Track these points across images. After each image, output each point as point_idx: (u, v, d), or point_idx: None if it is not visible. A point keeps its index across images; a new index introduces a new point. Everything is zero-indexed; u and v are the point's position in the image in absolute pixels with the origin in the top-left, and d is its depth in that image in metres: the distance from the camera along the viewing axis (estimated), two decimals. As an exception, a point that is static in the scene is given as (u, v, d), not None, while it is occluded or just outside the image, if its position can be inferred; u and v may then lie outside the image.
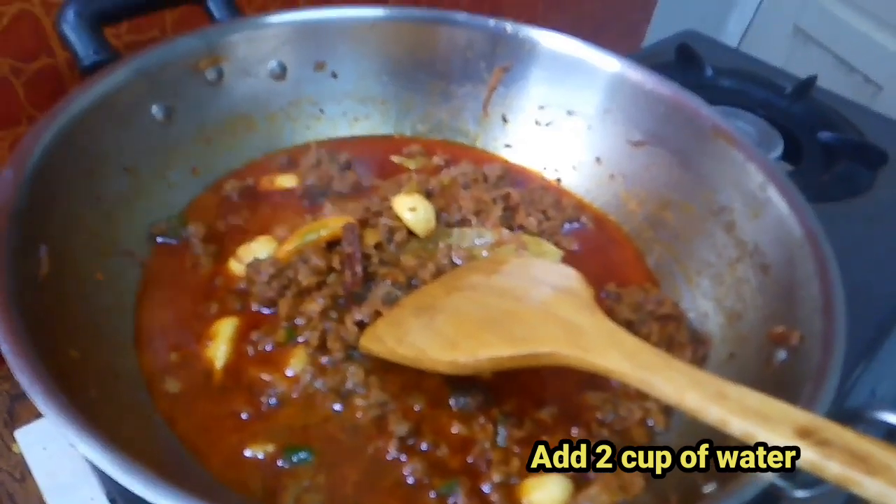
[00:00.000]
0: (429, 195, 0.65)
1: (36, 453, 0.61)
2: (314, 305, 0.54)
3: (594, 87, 0.69)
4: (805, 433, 0.36)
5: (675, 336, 0.57)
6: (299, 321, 0.53)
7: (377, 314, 0.54)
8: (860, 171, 0.90)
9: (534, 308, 0.48)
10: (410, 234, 0.62)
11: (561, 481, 0.46)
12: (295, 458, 0.46)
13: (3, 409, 0.65)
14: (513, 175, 0.72)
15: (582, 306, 0.47)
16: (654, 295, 0.60)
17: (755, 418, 0.37)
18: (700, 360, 0.55)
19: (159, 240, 0.59)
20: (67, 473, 0.59)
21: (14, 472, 0.61)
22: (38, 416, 0.64)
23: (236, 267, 0.57)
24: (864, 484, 0.33)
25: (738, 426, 0.37)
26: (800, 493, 0.39)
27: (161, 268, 0.57)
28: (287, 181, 0.66)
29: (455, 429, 0.49)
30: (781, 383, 0.46)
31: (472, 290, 0.53)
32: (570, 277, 0.51)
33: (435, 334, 0.49)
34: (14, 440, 0.62)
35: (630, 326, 0.57)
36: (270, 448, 0.47)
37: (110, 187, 0.55)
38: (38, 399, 0.35)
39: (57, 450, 0.60)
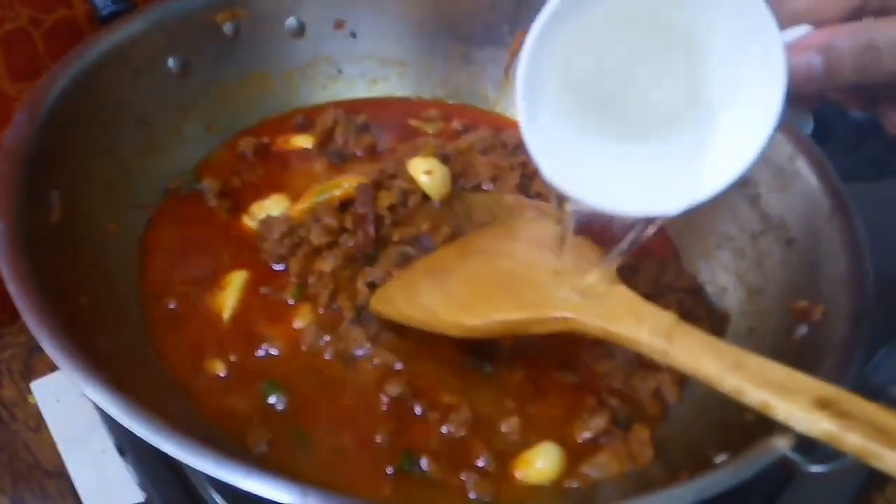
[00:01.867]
0: (445, 159, 0.64)
1: (50, 405, 0.62)
2: (325, 265, 0.53)
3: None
4: (824, 404, 0.34)
5: (693, 310, 0.56)
6: (310, 280, 0.53)
7: (389, 275, 0.53)
8: (891, 153, 0.87)
9: (549, 274, 0.47)
10: (425, 197, 0.61)
11: (554, 450, 0.46)
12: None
13: (19, 362, 0.66)
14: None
15: (598, 273, 0.46)
16: (672, 268, 0.58)
17: (773, 388, 0.36)
18: (718, 335, 0.54)
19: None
20: (80, 425, 0.60)
21: (29, 423, 0.62)
22: (54, 369, 0.65)
23: (249, 223, 0.57)
24: (885, 457, 0.32)
25: (755, 396, 0.36)
26: (814, 468, 0.38)
27: (172, 218, 0.57)
28: (303, 141, 0.65)
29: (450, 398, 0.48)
30: (801, 358, 0.45)
31: (487, 254, 0.52)
32: (587, 244, 0.50)
33: (447, 297, 0.48)
34: (30, 392, 0.63)
35: (647, 298, 0.56)
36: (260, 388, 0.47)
37: (125, 138, 0.55)
38: (44, 341, 0.35)
39: (70, 402, 0.61)
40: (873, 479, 0.58)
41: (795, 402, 0.35)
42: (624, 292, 0.44)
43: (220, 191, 0.59)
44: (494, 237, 0.54)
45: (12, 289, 0.36)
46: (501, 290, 0.47)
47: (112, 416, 0.33)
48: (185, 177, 0.60)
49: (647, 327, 0.41)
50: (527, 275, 0.48)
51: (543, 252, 0.50)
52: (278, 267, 0.55)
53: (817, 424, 0.34)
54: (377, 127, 0.69)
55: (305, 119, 0.68)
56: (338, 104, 0.69)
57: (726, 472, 0.36)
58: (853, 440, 0.33)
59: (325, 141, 0.65)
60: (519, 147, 0.68)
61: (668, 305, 0.54)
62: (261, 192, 0.60)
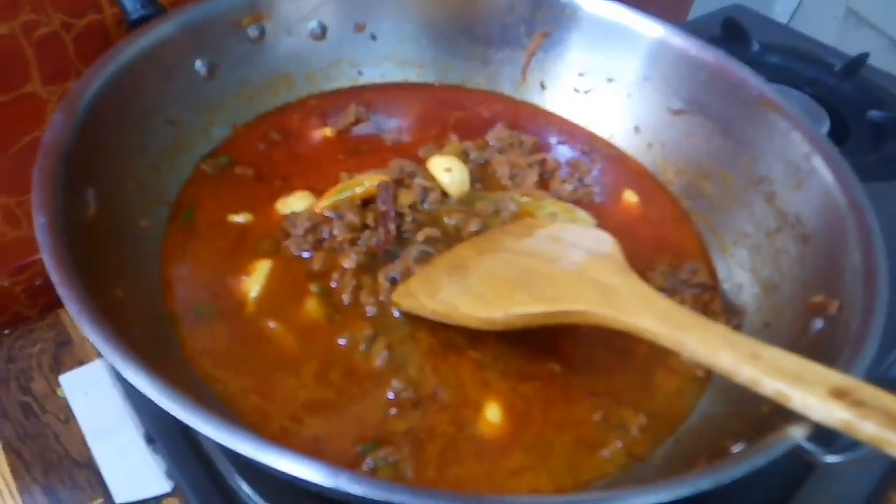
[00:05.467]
0: (468, 158, 0.65)
1: (78, 398, 0.63)
2: (347, 261, 0.55)
3: (635, 54, 0.68)
4: (840, 393, 0.35)
5: (710, 306, 0.56)
6: (333, 275, 0.54)
7: (409, 272, 0.54)
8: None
9: (567, 269, 0.48)
10: (444, 195, 0.62)
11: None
12: None
13: (49, 355, 0.68)
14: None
15: (615, 269, 0.47)
16: (689, 264, 0.59)
17: (788, 378, 0.37)
18: (734, 330, 0.55)
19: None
20: (108, 417, 0.61)
21: (59, 415, 0.63)
22: (81, 362, 0.67)
23: (281, 210, 0.58)
24: None
25: (771, 386, 0.37)
26: (830, 459, 0.39)
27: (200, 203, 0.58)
28: (327, 132, 0.67)
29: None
30: (817, 352, 0.45)
31: (505, 251, 0.53)
32: (604, 241, 0.51)
33: (467, 292, 0.49)
34: (59, 385, 0.65)
35: (663, 293, 0.57)
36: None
37: (155, 138, 0.57)
38: (85, 325, 0.36)
39: (98, 395, 0.63)
40: (891, 474, 0.58)
41: (811, 392, 0.35)
42: (641, 287, 0.45)
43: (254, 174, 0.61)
44: (512, 235, 0.55)
45: (55, 278, 0.38)
46: (520, 286, 0.48)
47: (151, 398, 0.34)
48: (219, 161, 0.61)
49: (663, 320, 0.42)
50: (545, 271, 0.49)
51: (561, 249, 0.51)
52: (305, 255, 0.56)
53: (833, 414, 0.35)
54: (398, 119, 0.70)
55: (328, 111, 0.69)
56: (361, 98, 0.71)
57: (742, 460, 0.37)
58: (869, 429, 0.33)
59: (347, 134, 0.67)
60: (536, 145, 0.69)
61: (683, 301, 0.55)
62: (286, 181, 0.61)
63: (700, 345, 0.40)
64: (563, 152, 0.70)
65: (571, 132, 0.73)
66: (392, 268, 0.55)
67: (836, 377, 0.36)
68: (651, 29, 0.67)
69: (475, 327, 0.48)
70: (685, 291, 0.57)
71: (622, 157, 0.70)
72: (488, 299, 0.48)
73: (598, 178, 0.67)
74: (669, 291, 0.57)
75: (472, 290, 0.49)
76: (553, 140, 0.71)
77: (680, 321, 0.42)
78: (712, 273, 0.60)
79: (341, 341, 0.51)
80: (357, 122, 0.69)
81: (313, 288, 0.53)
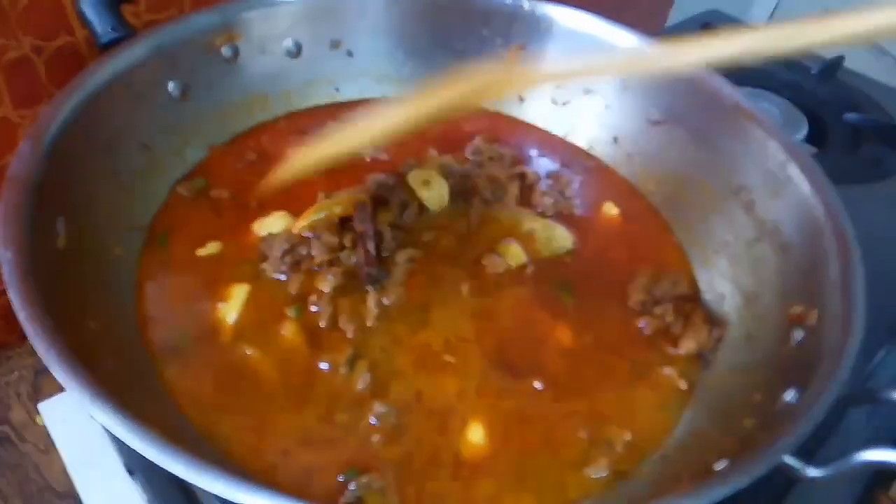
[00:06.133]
0: (448, 172, 0.65)
1: (58, 426, 0.62)
2: (325, 284, 0.54)
3: (612, 65, 0.68)
4: None
5: (691, 316, 0.56)
6: (311, 299, 0.54)
7: (405, 291, 0.54)
8: (887, 154, 0.88)
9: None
10: (423, 209, 0.62)
11: None
12: None
13: (27, 383, 0.67)
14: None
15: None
16: (670, 275, 0.59)
17: None
18: (716, 342, 0.55)
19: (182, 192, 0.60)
20: (89, 446, 0.60)
21: (39, 444, 0.62)
22: (61, 389, 0.65)
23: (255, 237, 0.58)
24: None
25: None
26: (812, 473, 0.39)
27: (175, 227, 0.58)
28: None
29: None
30: (799, 363, 0.46)
31: None
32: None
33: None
34: (38, 413, 0.64)
35: (644, 306, 0.57)
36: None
37: (127, 163, 0.56)
38: (53, 365, 0.35)
39: (79, 423, 0.62)
40: (878, 480, 0.58)
41: None
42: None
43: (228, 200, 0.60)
44: None
45: (22, 316, 0.37)
46: None
47: (121, 439, 0.33)
48: (196, 183, 0.61)
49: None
50: None
51: None
52: (282, 277, 0.55)
53: None
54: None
55: (300, 126, 0.68)
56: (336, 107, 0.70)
57: (726, 480, 0.36)
58: None
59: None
60: (515, 158, 0.69)
61: (665, 312, 0.55)
62: (263, 202, 0.60)
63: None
64: (543, 164, 0.70)
65: (551, 144, 0.72)
66: (385, 294, 0.54)
67: None
68: (626, 40, 0.67)
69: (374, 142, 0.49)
70: (666, 303, 0.57)
71: (602, 169, 0.70)
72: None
73: (578, 191, 0.67)
74: (650, 303, 0.57)
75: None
76: (533, 153, 0.71)
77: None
78: (693, 284, 0.60)
79: (322, 366, 0.50)
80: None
81: (290, 312, 0.53)
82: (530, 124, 0.74)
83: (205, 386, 0.48)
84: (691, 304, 0.57)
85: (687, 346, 0.54)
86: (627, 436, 0.48)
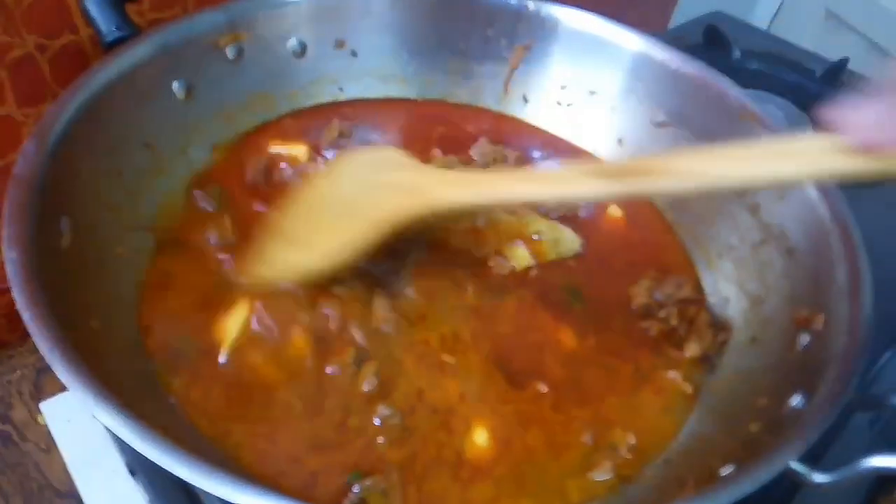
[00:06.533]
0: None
1: (60, 425, 0.62)
2: (335, 286, 0.53)
3: (617, 67, 0.68)
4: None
5: (696, 319, 0.56)
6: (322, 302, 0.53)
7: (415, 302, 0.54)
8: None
9: (372, 191, 0.52)
10: None
11: None
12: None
13: (29, 382, 0.67)
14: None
15: (408, 168, 0.52)
16: (674, 277, 0.59)
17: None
18: (721, 345, 0.55)
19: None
20: (91, 446, 0.60)
21: (40, 444, 0.62)
22: (63, 389, 0.65)
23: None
24: None
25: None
26: (818, 478, 0.38)
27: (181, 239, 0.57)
28: (301, 154, 0.66)
29: None
30: (805, 368, 0.45)
31: (312, 200, 0.55)
32: (392, 154, 0.55)
33: (294, 244, 0.53)
34: (40, 412, 0.63)
35: (648, 309, 0.56)
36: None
37: (131, 162, 0.55)
38: (57, 365, 0.35)
39: (80, 422, 0.62)
40: (880, 485, 0.58)
41: None
42: (435, 171, 0.55)
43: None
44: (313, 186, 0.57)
45: (26, 316, 0.37)
46: (337, 217, 0.52)
47: (125, 440, 0.33)
48: (212, 190, 0.60)
49: (463, 186, 0.49)
50: (353, 199, 0.53)
51: (361, 178, 0.54)
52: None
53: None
54: (380, 131, 0.70)
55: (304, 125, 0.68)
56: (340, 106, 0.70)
57: (732, 485, 0.36)
58: None
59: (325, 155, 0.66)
60: (520, 159, 0.69)
61: (669, 315, 0.55)
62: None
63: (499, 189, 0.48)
64: (548, 166, 0.70)
65: (555, 145, 0.72)
66: (392, 294, 0.54)
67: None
68: (632, 41, 0.67)
69: (316, 276, 0.51)
70: (670, 306, 0.56)
71: (606, 170, 0.70)
72: (311, 241, 0.52)
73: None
74: (654, 307, 0.57)
75: (296, 240, 0.53)
76: (537, 154, 0.71)
77: (474, 180, 0.50)
78: (698, 287, 0.60)
79: (330, 370, 0.50)
80: (341, 136, 0.68)
81: (301, 318, 0.52)
82: (534, 126, 0.74)
83: (209, 390, 0.48)
84: (696, 307, 0.57)
85: (692, 349, 0.54)
86: (632, 439, 0.48)
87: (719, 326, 0.56)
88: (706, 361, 0.54)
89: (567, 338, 0.54)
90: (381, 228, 0.49)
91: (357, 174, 0.55)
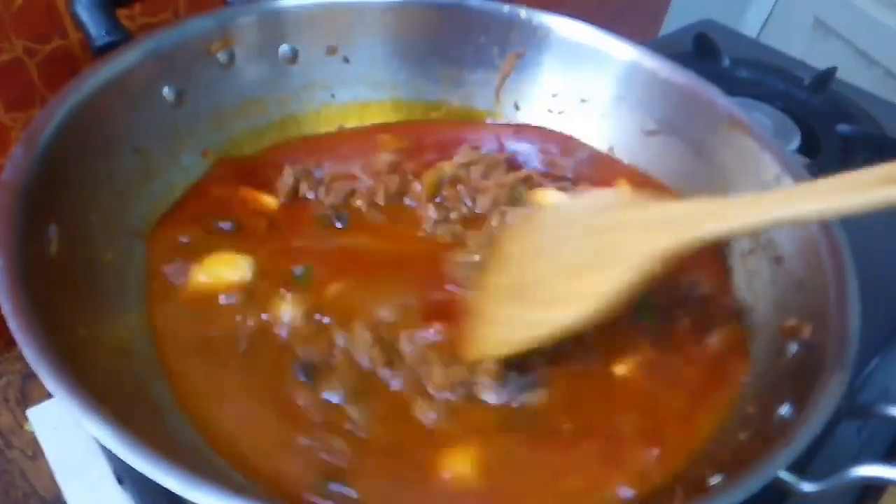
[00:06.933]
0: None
1: (47, 432, 0.61)
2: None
3: (608, 75, 0.68)
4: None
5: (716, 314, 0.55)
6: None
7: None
8: (881, 164, 0.89)
9: (611, 232, 0.47)
10: None
11: None
12: None
13: (15, 388, 0.66)
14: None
15: (645, 205, 0.48)
16: (686, 279, 0.58)
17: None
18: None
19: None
20: (77, 453, 0.59)
21: (26, 451, 0.61)
22: (50, 396, 0.64)
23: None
24: None
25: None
26: (807, 487, 0.39)
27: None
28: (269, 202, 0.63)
29: None
30: (794, 376, 0.46)
31: (544, 248, 0.50)
32: (608, 196, 0.52)
33: (540, 302, 0.47)
34: (26, 419, 0.63)
35: (656, 308, 0.56)
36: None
37: (121, 168, 0.55)
38: (44, 375, 0.35)
39: (67, 430, 0.61)
40: (867, 493, 0.58)
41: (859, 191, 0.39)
42: (676, 205, 0.46)
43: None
44: (539, 230, 0.52)
45: (12, 324, 0.36)
46: (589, 268, 0.46)
47: (112, 451, 0.33)
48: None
49: (719, 214, 0.43)
50: (595, 245, 0.47)
51: (589, 219, 0.50)
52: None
53: None
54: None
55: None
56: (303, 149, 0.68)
57: (721, 495, 0.36)
58: None
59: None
60: (511, 164, 0.69)
61: (682, 315, 0.55)
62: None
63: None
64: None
65: (546, 152, 0.73)
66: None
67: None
68: (623, 51, 0.67)
69: (571, 331, 0.45)
70: (688, 305, 0.56)
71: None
72: (569, 295, 0.46)
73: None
74: (669, 306, 0.56)
75: (543, 298, 0.47)
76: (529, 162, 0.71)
77: (711, 212, 0.43)
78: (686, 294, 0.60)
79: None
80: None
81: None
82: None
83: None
84: (714, 303, 0.57)
85: (681, 357, 0.54)
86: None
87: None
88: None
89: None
90: (645, 270, 0.43)
91: (578, 220, 0.50)
